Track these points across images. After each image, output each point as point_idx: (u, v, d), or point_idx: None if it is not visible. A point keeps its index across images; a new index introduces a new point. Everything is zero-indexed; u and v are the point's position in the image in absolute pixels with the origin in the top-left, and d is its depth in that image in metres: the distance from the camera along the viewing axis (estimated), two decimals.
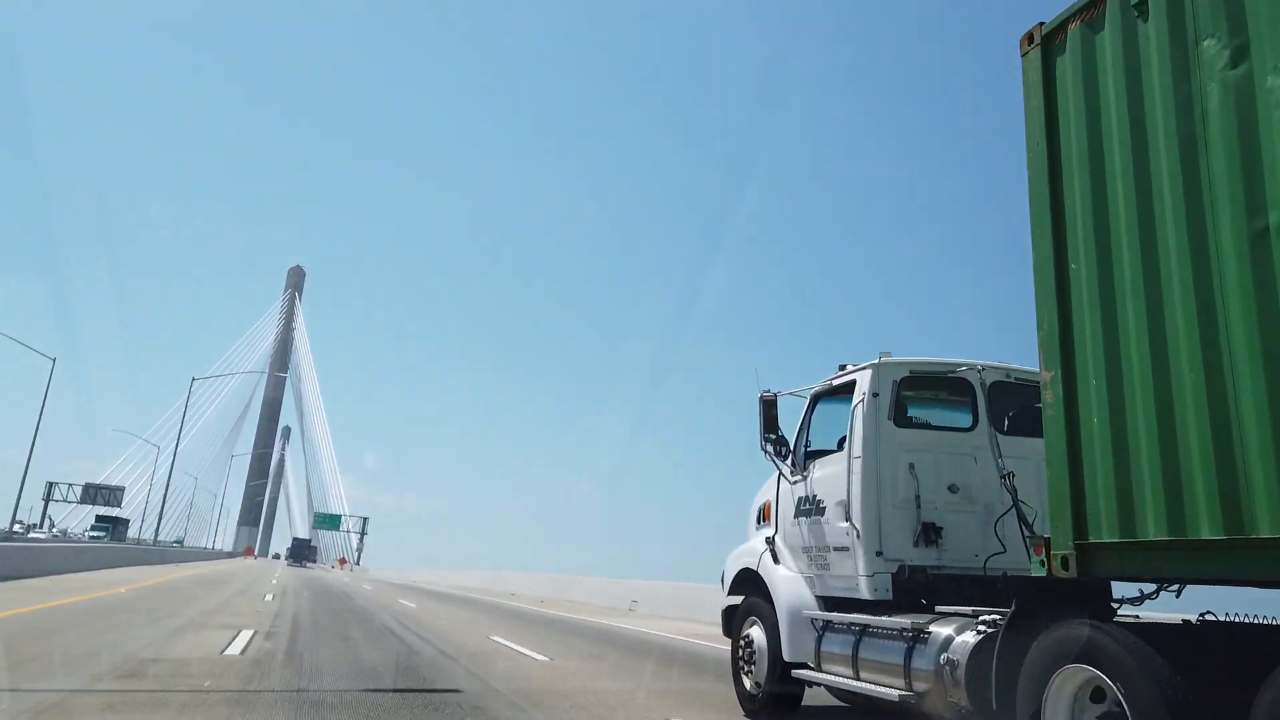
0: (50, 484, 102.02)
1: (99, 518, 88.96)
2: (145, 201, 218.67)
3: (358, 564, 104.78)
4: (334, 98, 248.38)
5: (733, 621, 7.54)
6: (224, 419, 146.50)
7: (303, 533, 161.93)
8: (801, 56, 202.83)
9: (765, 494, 7.61)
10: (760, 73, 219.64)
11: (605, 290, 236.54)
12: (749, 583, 7.32)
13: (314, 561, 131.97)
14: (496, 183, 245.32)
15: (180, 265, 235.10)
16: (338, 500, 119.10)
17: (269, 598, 18.94)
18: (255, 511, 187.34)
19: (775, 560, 7.00)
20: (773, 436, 6.99)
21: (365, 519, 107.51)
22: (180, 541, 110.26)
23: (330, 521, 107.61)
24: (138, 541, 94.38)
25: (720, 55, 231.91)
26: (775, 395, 7.01)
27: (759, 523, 7.67)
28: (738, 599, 7.55)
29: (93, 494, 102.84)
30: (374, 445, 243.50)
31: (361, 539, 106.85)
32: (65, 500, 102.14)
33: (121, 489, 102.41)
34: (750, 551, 7.42)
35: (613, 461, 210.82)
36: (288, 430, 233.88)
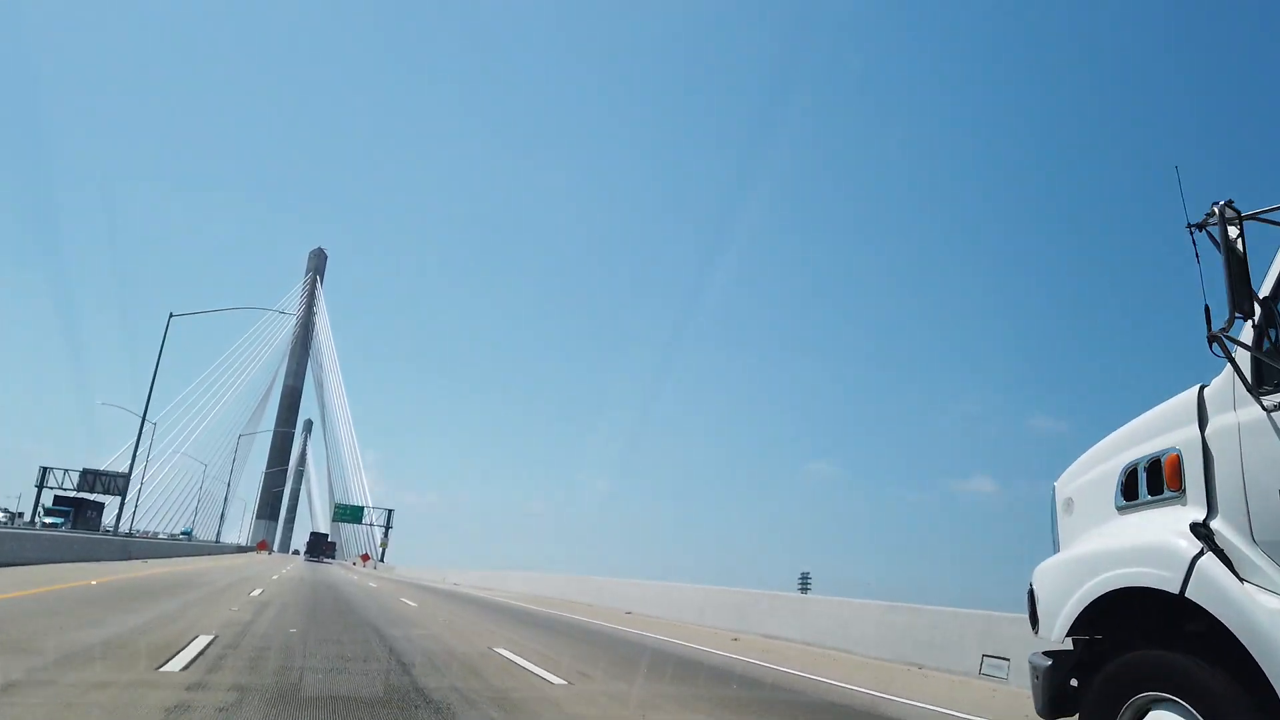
0: (44, 469, 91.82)
1: (57, 499, 77.68)
2: (151, 185, 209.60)
3: (381, 560, 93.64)
4: (346, 90, 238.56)
5: (1071, 692, 3.94)
6: (242, 407, 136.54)
7: (323, 528, 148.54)
8: (812, 56, 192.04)
9: (1158, 434, 3.85)
10: (771, 67, 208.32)
11: (629, 284, 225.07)
12: (1124, 617, 3.78)
13: (331, 557, 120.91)
14: (511, 178, 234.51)
15: (193, 248, 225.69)
16: (360, 492, 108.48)
17: (192, 649, 7.31)
18: (274, 505, 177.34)
19: (1234, 572, 3.31)
20: (1246, 306, 3.32)
21: (390, 511, 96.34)
22: (189, 534, 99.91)
23: (351, 514, 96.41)
24: (129, 533, 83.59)
25: (728, 52, 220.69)
26: (1240, 219, 3.37)
27: (1140, 496, 3.88)
28: (1084, 640, 3.97)
29: (91, 480, 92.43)
30: (394, 440, 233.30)
31: (386, 533, 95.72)
32: (61, 487, 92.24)
33: (125, 475, 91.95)
34: (1126, 555, 3.70)
35: (633, 460, 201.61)
36: (309, 424, 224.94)
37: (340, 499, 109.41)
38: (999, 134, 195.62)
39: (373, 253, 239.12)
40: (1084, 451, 4.53)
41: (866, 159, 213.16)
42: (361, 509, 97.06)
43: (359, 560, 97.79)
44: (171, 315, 33.54)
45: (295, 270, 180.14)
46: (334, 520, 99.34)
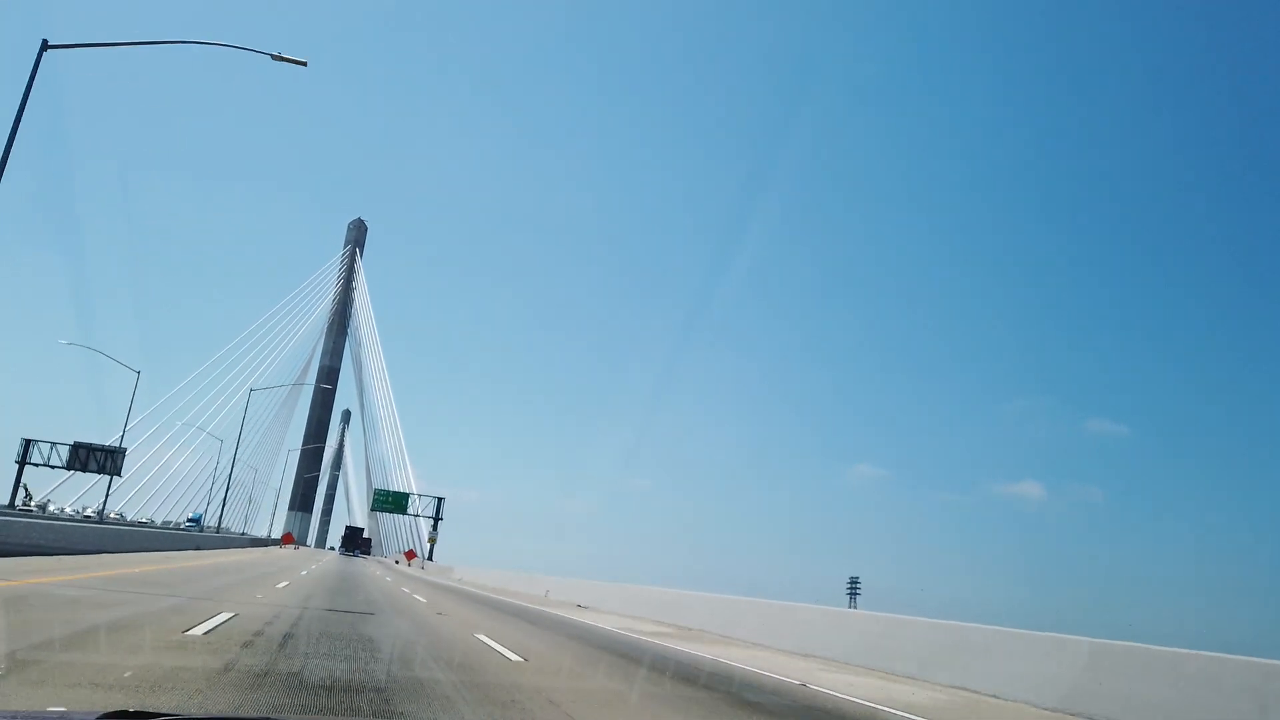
0: (27, 442, 75.43)
1: None
2: (173, 172, 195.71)
3: (429, 558, 75.96)
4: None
5: None
6: (275, 390, 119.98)
7: (360, 522, 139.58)
8: (826, 62, 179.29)
9: None
10: (785, 73, 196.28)
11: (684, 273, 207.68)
12: None
13: (367, 553, 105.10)
14: (544, 178, 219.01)
15: (216, 233, 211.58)
16: (403, 481, 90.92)
17: None
18: (307, 492, 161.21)
19: None
20: None
21: (439, 500, 78.39)
22: (197, 521, 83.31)
23: (393, 502, 78.59)
24: (114, 517, 66.62)
25: (743, 58, 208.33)
26: None
27: None
28: None
29: (83, 457, 75.78)
30: (427, 436, 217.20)
31: (435, 526, 77.81)
32: (47, 464, 75.66)
33: (122, 451, 75.10)
34: None
35: (674, 461, 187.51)
36: (348, 414, 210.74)
37: (379, 484, 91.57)
38: (1038, 130, 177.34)
39: (389, 248, 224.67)
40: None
41: (899, 160, 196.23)
42: (406, 496, 79.20)
43: (402, 558, 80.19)
44: (46, 45, 15.78)
45: (325, 254, 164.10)
46: (372, 510, 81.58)
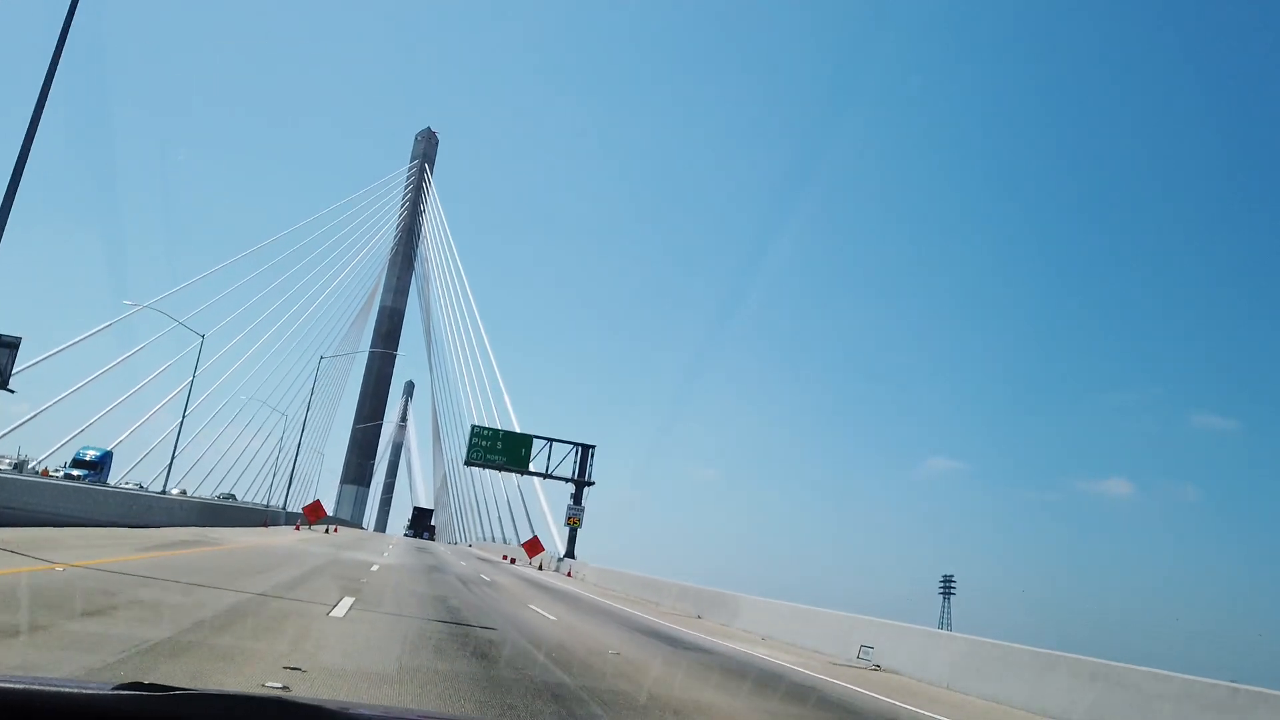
0: None
1: None
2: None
3: (570, 554, 39.41)
4: None
5: None
6: (326, 335, 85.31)
7: (425, 502, 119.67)
8: (876, 59, 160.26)
9: None
10: (830, 73, 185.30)
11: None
12: None
13: (432, 538, 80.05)
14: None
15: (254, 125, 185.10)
16: (501, 417, 53.41)
17: None
18: (364, 466, 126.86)
19: None
20: None
21: (587, 450, 41.46)
22: (99, 462, 47.03)
23: (504, 448, 41.41)
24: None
25: (787, 51, 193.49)
26: None
27: None
28: None
29: None
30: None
31: (578, 497, 41.09)
32: None
33: (10, 346, 39.06)
34: None
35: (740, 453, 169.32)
36: (411, 385, 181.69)
37: (475, 421, 53.48)
38: (1121, 115, 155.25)
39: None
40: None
41: (989, 150, 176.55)
42: (527, 440, 42.18)
43: (517, 552, 43.11)
44: None
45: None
46: (467, 463, 43.74)
